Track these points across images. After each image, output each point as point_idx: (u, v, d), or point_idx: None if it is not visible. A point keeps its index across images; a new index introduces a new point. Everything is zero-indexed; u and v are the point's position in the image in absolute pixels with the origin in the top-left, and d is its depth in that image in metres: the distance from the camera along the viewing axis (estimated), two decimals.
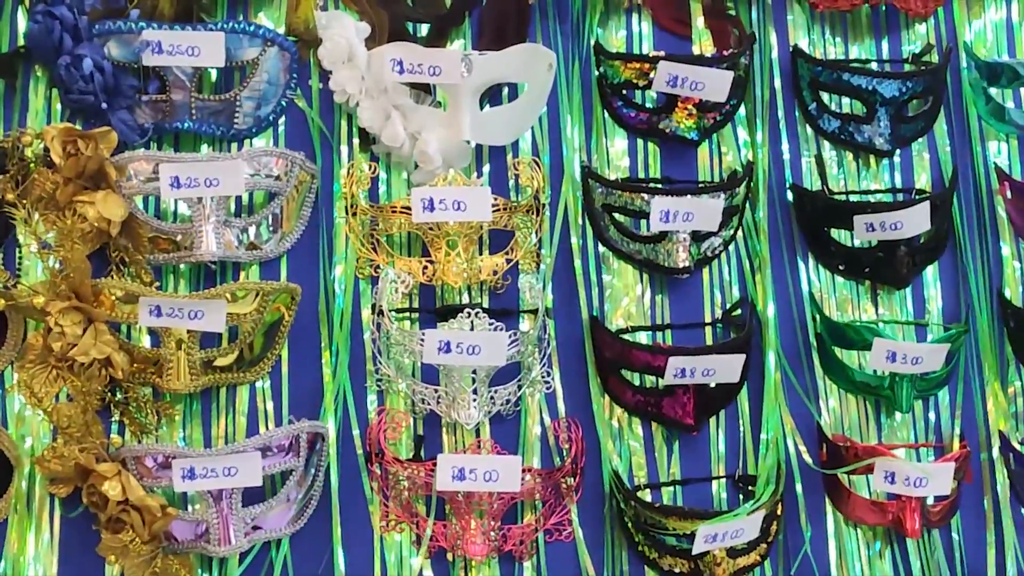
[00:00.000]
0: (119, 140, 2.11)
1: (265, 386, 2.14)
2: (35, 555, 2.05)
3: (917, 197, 2.28)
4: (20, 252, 2.14)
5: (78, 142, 2.06)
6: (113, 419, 2.09)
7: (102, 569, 2.05)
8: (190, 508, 2.06)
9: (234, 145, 2.22)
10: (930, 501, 2.18)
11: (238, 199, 2.19)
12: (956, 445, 2.23)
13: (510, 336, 2.08)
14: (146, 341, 2.12)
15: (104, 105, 2.12)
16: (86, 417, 2.00)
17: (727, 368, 2.14)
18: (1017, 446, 2.25)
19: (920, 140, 2.38)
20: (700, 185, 2.28)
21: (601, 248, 2.26)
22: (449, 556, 2.10)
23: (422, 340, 2.07)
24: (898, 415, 2.25)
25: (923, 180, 2.37)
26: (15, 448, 2.06)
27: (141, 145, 2.16)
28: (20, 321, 2.10)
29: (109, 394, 2.07)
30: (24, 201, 2.08)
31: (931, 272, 2.33)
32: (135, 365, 2.08)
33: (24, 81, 2.21)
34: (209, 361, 2.09)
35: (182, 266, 2.16)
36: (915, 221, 2.21)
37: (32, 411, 2.08)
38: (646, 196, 2.17)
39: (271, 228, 2.18)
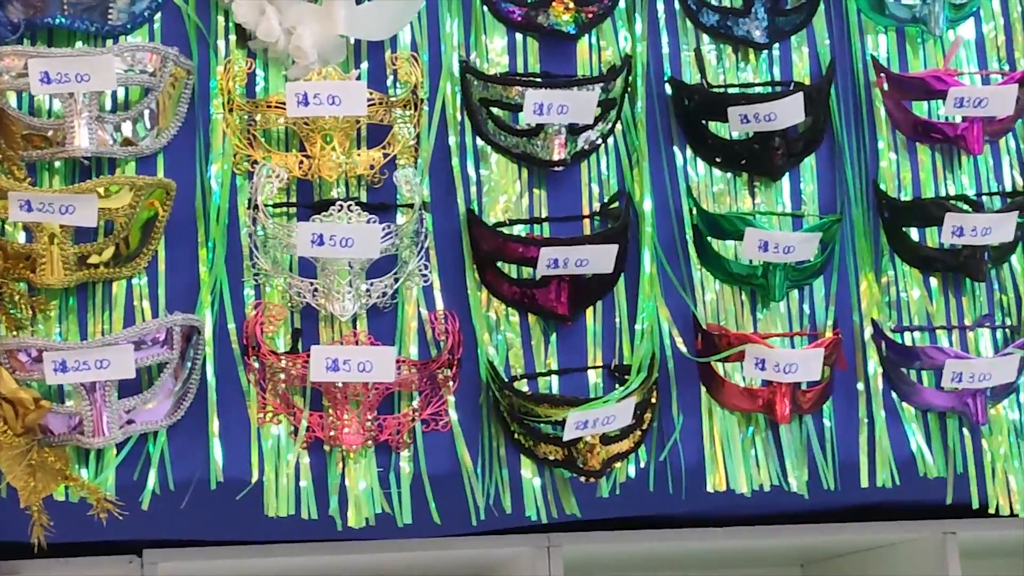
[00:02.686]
0: None
1: (142, 282, 2.15)
2: None
3: (791, 89, 2.31)
4: None
5: None
6: None
7: None
8: (67, 402, 2.08)
9: (109, 41, 2.21)
10: (804, 387, 2.23)
11: (114, 96, 2.19)
12: (829, 334, 2.27)
13: (383, 228, 2.10)
14: (21, 237, 2.12)
15: None
16: None
17: (601, 259, 2.17)
18: (889, 334, 2.29)
19: (799, 33, 2.40)
20: (577, 79, 2.29)
21: (479, 142, 2.28)
22: (326, 447, 2.13)
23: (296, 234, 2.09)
24: (773, 305, 2.29)
25: (802, 74, 2.39)
26: None
27: (13, 41, 2.14)
28: None
29: None
30: None
31: (809, 164, 2.36)
32: (8, 261, 2.08)
33: None
34: (84, 256, 2.10)
35: (57, 163, 2.16)
36: (789, 112, 2.23)
37: None
38: (521, 89, 2.19)
39: (148, 125, 2.18)
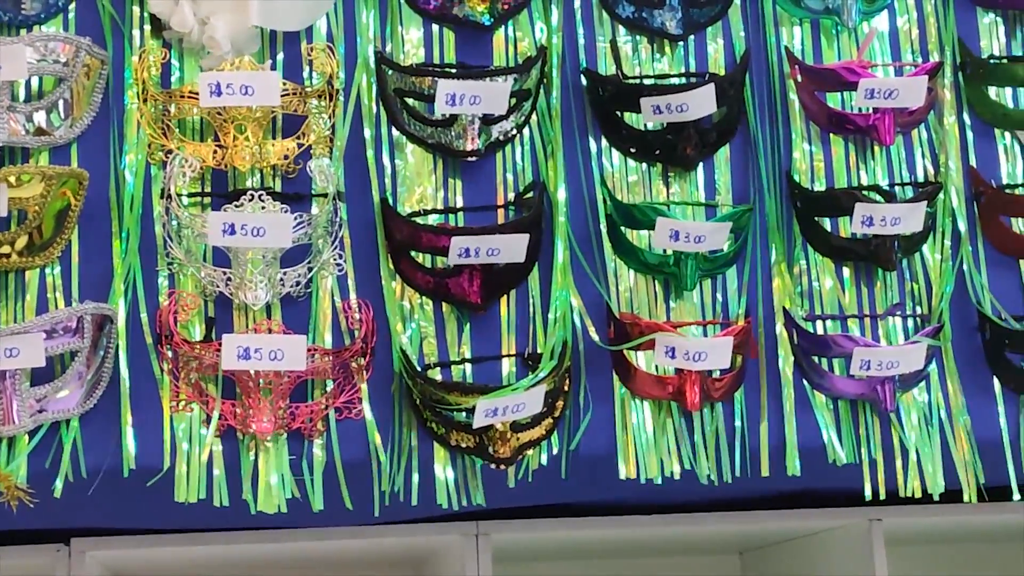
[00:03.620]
0: None
1: (55, 271, 2.16)
2: None
3: (704, 80, 2.33)
4: None
5: None
6: None
7: None
8: None
9: (23, 31, 2.22)
10: (716, 375, 2.26)
11: (27, 85, 2.20)
12: (741, 323, 2.30)
13: (296, 218, 2.12)
14: None
15: None
16: None
17: (512, 248, 2.18)
18: (801, 322, 2.32)
19: (714, 25, 2.42)
20: (490, 69, 2.31)
21: (395, 133, 2.29)
22: (239, 434, 2.15)
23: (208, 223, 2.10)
24: (686, 294, 2.31)
25: (717, 65, 2.42)
26: None
27: None
28: None
29: None
30: None
31: (723, 155, 2.38)
32: None
33: None
34: None
35: None
36: (701, 103, 2.25)
37: None
38: (434, 80, 2.20)
39: (62, 115, 2.19)
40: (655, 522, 2.51)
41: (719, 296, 2.34)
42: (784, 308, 2.33)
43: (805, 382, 2.32)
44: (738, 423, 2.28)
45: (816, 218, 2.36)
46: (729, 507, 2.51)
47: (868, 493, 2.31)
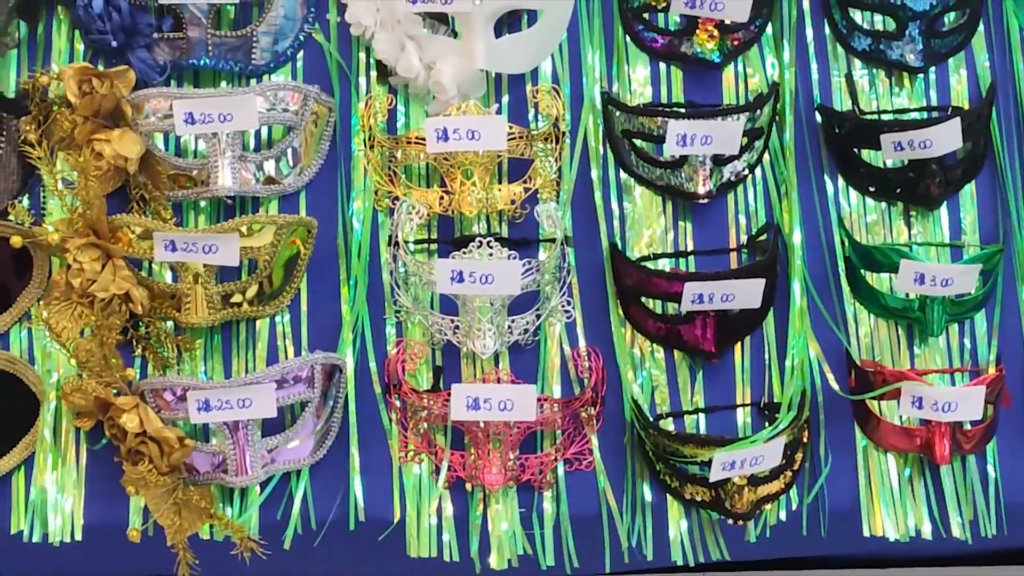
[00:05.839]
0: (139, 78, 2.15)
1: (284, 320, 2.16)
2: (61, 487, 2.09)
3: (948, 114, 2.21)
4: (44, 192, 2.18)
5: (93, 81, 2.09)
6: (136, 354, 2.12)
7: (127, 501, 2.08)
8: (211, 440, 2.08)
9: (253, 81, 2.23)
10: (967, 426, 2.12)
11: (257, 135, 2.20)
12: (992, 370, 2.16)
13: (524, 264, 2.06)
14: (168, 276, 2.14)
15: (114, 43, 2.14)
16: (104, 351, 2.03)
17: (747, 293, 2.09)
18: None
19: (957, 56, 2.30)
20: (721, 108, 2.23)
21: (623, 175, 2.23)
22: (468, 486, 2.10)
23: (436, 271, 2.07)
24: (931, 340, 2.19)
25: (961, 97, 2.29)
26: (40, 383, 2.11)
27: (161, 83, 2.18)
28: (44, 259, 2.15)
29: (132, 329, 2.10)
30: (45, 141, 2.11)
31: (968, 192, 2.26)
32: (155, 300, 2.10)
33: (47, 24, 2.24)
34: (227, 295, 2.11)
35: (203, 202, 2.18)
36: (945, 139, 2.13)
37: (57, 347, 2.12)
38: (663, 120, 2.13)
39: (291, 163, 2.19)
40: None
41: (967, 342, 2.21)
42: None
43: None
44: (992, 476, 2.15)
45: None
46: (959, 562, 2.36)
47: None
